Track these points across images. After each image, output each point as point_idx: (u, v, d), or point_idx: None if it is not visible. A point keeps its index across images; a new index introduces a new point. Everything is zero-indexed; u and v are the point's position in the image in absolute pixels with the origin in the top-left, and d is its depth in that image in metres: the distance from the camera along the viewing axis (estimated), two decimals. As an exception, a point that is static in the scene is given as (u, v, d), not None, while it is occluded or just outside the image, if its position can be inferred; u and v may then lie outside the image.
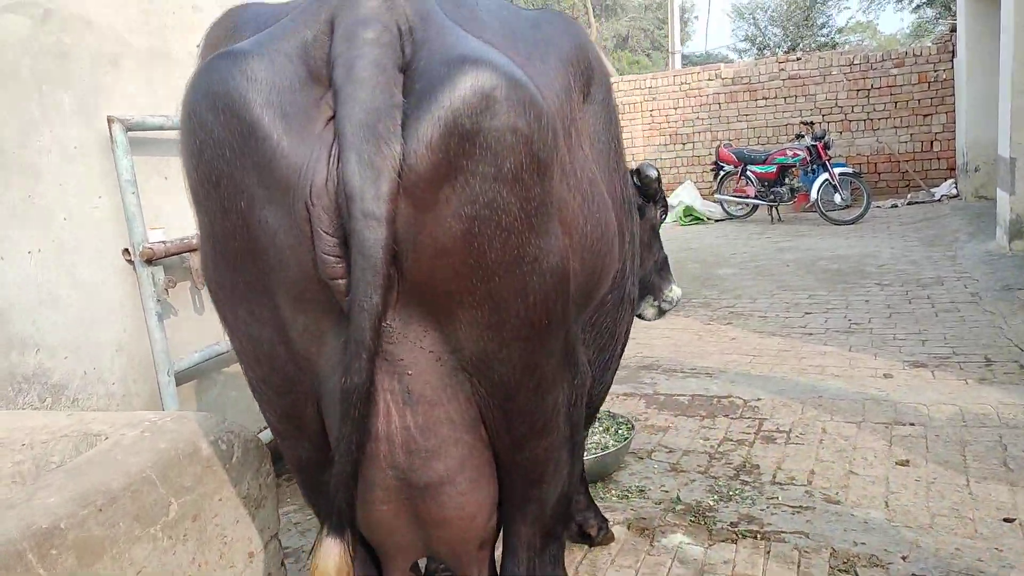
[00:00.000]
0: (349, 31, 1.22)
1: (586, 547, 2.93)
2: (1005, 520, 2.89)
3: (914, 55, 11.37)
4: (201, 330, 3.70)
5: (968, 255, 7.55)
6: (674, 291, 3.14)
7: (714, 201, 12.07)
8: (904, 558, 2.69)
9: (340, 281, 1.24)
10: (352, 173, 1.16)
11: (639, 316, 3.12)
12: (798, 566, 2.70)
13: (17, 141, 2.69)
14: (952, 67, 11.07)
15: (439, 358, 1.37)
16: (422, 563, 1.92)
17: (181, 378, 3.46)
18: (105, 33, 3.02)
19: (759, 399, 4.44)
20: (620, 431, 3.78)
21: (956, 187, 10.93)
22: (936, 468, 3.36)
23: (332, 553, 1.30)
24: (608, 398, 4.61)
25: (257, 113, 1.19)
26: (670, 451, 3.86)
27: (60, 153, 2.85)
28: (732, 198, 11.49)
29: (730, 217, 11.76)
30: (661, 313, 3.15)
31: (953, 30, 10.78)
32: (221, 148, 1.22)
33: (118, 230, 3.20)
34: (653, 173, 2.81)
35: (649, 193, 2.82)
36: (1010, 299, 5.89)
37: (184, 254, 3.53)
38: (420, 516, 1.48)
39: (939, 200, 10.92)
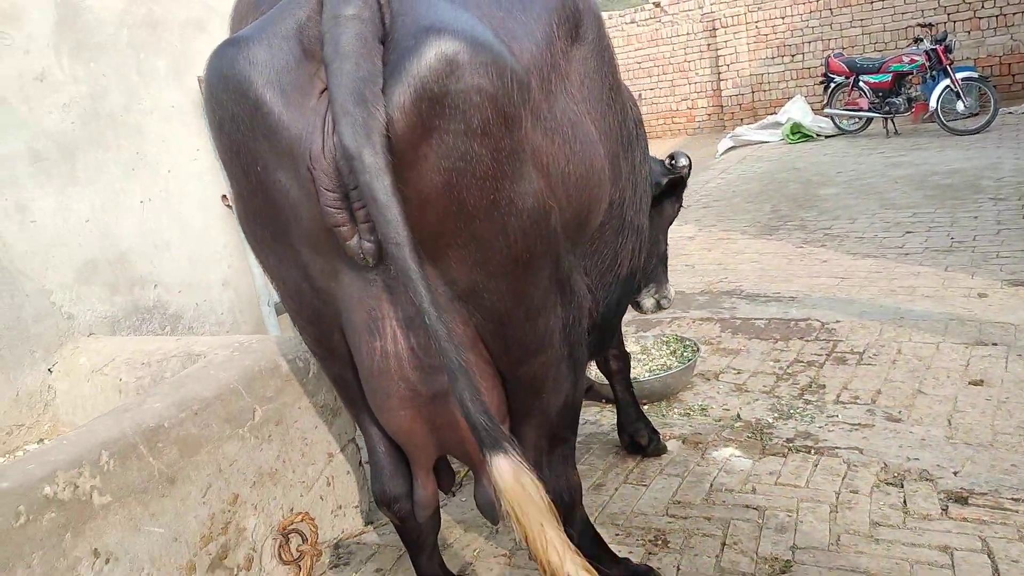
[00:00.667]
0: (334, 9, 1.41)
1: (639, 457, 3.13)
2: (1071, 436, 2.84)
3: (1061, -64, 10.08)
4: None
5: (1104, 163, 6.87)
6: (671, 291, 3.25)
7: (825, 116, 11.41)
8: (956, 473, 2.71)
9: (343, 228, 1.47)
10: (347, 136, 1.36)
11: (636, 307, 3.23)
12: (843, 478, 2.79)
13: (123, 105, 3.09)
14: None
15: (436, 288, 1.59)
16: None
17: (280, 308, 3.90)
18: (191, 1, 3.35)
19: (838, 321, 4.40)
20: (685, 354, 3.90)
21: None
22: (1010, 387, 3.28)
23: (504, 467, 1.40)
24: (684, 322, 4.74)
25: (260, 92, 1.41)
26: (738, 372, 3.94)
27: (160, 114, 3.25)
28: (843, 112, 10.83)
29: (842, 132, 11.11)
30: (659, 308, 3.23)
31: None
32: (236, 123, 1.47)
33: (216, 179, 3.60)
34: (684, 161, 2.85)
35: (675, 180, 2.87)
36: None
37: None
38: (432, 421, 1.74)
39: (1085, 101, 9.83)
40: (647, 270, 3.00)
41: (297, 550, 2.47)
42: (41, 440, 2.92)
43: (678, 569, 2.36)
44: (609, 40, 1.86)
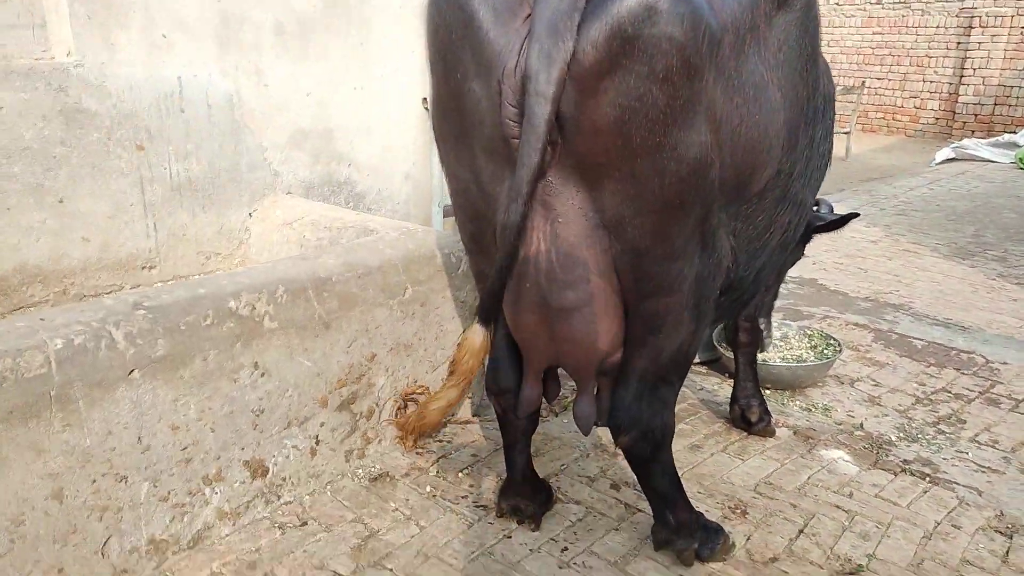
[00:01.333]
0: None
1: (744, 433, 3.17)
2: None
3: None
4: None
5: None
6: (772, 332, 3.25)
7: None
8: (1074, 543, 2.54)
9: (516, 141, 1.66)
10: (533, 59, 1.54)
11: (731, 340, 3.19)
12: (949, 511, 2.69)
13: (359, -2, 3.45)
14: None
15: (585, 214, 1.74)
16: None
17: (448, 211, 4.22)
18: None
19: (1005, 363, 4.07)
20: (826, 351, 3.81)
21: None
22: None
23: (478, 334, 1.81)
24: (837, 323, 4.58)
25: (476, 7, 1.62)
26: (876, 384, 3.80)
27: (388, 12, 3.58)
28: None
29: (1092, 170, 9.76)
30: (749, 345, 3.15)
31: None
32: (449, 31, 1.68)
33: (420, 82, 3.92)
34: (825, 210, 2.83)
35: (818, 228, 2.90)
36: None
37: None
38: (554, 330, 1.92)
39: None
40: (758, 301, 2.99)
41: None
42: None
43: (748, 539, 2.44)
44: (817, 12, 1.89)
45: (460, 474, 2.74)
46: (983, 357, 4.15)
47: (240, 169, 3.40)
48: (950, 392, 3.73)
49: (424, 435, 2.86)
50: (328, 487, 2.62)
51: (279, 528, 2.43)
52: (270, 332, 2.33)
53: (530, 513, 2.38)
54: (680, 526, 2.24)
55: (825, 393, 3.66)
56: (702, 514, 2.38)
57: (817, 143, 2.09)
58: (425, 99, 4.03)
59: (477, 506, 2.55)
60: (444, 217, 4.14)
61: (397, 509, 2.53)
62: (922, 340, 4.41)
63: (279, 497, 2.49)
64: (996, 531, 2.59)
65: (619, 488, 2.70)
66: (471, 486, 2.67)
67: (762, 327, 3.20)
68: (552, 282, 1.84)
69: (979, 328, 4.63)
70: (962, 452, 3.14)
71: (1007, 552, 2.47)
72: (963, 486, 2.87)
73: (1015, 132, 10.96)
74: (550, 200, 1.76)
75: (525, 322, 1.95)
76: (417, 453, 2.83)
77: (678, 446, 3.04)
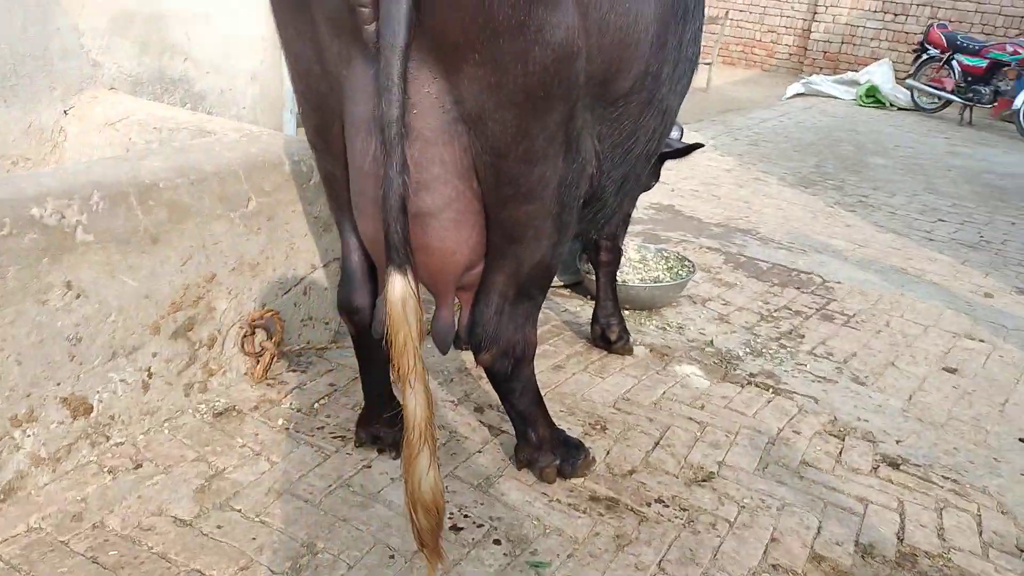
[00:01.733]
0: None
1: (604, 353, 3.21)
2: (1020, 440, 2.89)
3: None
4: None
5: None
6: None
7: (905, 87, 10.88)
8: (898, 441, 2.78)
9: (364, 10, 1.45)
10: None
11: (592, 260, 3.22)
12: (790, 418, 2.86)
13: None
14: None
15: (443, 105, 1.58)
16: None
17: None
18: None
19: (839, 282, 4.39)
20: (680, 272, 3.91)
21: None
22: (981, 382, 3.30)
23: (397, 284, 1.56)
24: (691, 247, 4.73)
25: None
26: (726, 304, 3.96)
27: None
28: (925, 87, 10.32)
29: (916, 108, 10.64)
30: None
31: None
32: None
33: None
34: (676, 134, 2.80)
35: (668, 154, 2.90)
36: None
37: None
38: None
39: None
40: (620, 217, 2.96)
41: (260, 345, 2.58)
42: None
43: (608, 453, 2.47)
44: None
45: (316, 405, 2.57)
46: (820, 277, 4.45)
47: (51, 56, 2.90)
48: (791, 309, 3.96)
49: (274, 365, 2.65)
50: (166, 425, 2.38)
51: (109, 473, 2.17)
52: (84, 246, 2.02)
53: (391, 441, 2.27)
54: (542, 443, 2.21)
55: (679, 313, 3.78)
56: (563, 431, 2.37)
57: (685, 45, 2.02)
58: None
59: (335, 437, 2.40)
60: (299, 127, 3.80)
61: (245, 445, 2.33)
62: (767, 262, 4.66)
63: (108, 438, 2.22)
64: (830, 435, 2.78)
65: (483, 411, 2.64)
66: (328, 416, 2.51)
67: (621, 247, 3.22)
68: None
69: (817, 251, 4.95)
70: (801, 364, 3.35)
71: (840, 453, 2.66)
72: (801, 395, 3.07)
73: (857, 71, 11.70)
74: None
75: (377, 228, 1.76)
76: (268, 384, 2.63)
77: (541, 367, 3.04)
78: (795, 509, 2.29)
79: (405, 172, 1.52)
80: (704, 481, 2.39)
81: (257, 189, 2.44)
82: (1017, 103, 9.16)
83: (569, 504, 2.20)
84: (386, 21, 1.42)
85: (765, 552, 2.08)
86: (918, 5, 12.02)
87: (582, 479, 2.31)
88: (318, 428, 2.44)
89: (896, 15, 12.27)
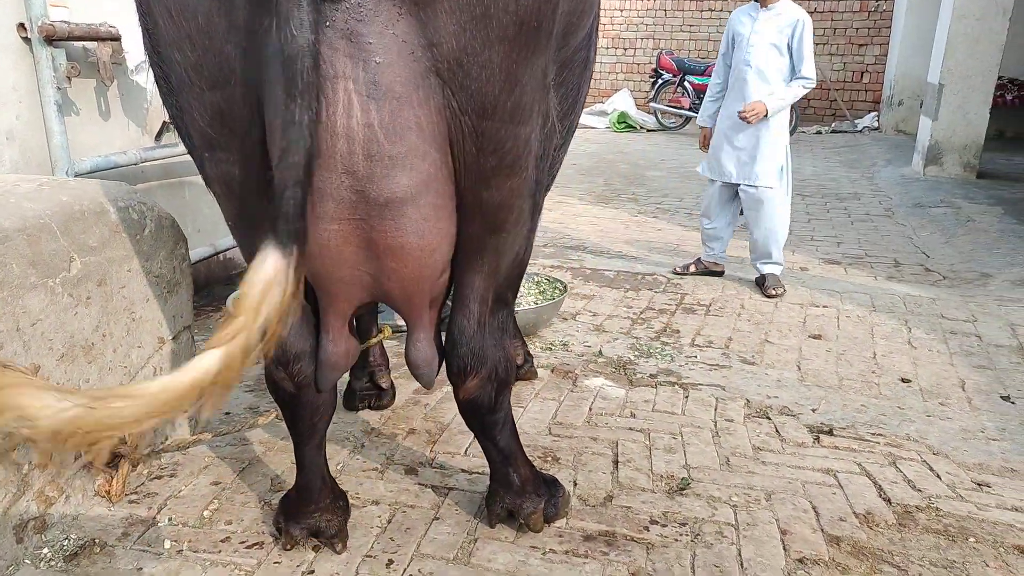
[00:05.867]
0: None
1: (510, 381, 2.90)
2: (902, 380, 3.06)
3: (858, -17, 11.44)
4: (106, 135, 3.35)
5: (885, 177, 7.83)
6: None
7: (649, 112, 11.99)
8: (814, 410, 2.80)
9: None
10: None
11: None
12: (715, 408, 2.77)
13: None
14: (893, -1, 11.24)
15: (412, 51, 1.21)
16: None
17: (82, 180, 3.14)
18: None
19: (682, 278, 4.50)
20: (553, 293, 3.75)
21: (878, 120, 11.26)
22: (846, 342, 3.49)
23: (267, 263, 1.11)
24: (536, 268, 4.60)
25: None
26: (594, 315, 3.86)
27: None
28: (667, 108, 11.44)
29: (663, 128, 11.75)
30: None
31: (900, -40, 10.85)
32: None
33: (13, 2, 2.80)
34: None
35: None
36: (920, 215, 6.16)
37: (90, 44, 3.15)
38: (374, 242, 1.33)
39: (860, 131, 11.24)
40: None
41: (112, 451, 1.91)
42: None
43: (575, 484, 2.16)
44: None
45: (206, 513, 1.94)
46: (664, 276, 4.54)
47: None
48: (654, 309, 3.97)
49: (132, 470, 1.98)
50: (-13, 590, 1.63)
51: None
52: None
53: (334, 530, 1.75)
54: (525, 485, 1.84)
55: (556, 331, 3.61)
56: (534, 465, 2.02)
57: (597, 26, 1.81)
58: (22, 25, 2.89)
59: (249, 547, 1.81)
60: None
61: (123, 589, 1.67)
62: (610, 270, 4.67)
63: None
64: (757, 416, 2.73)
65: (416, 471, 2.20)
66: (229, 524, 1.90)
67: None
68: (374, 160, 1.26)
69: (645, 254, 5.09)
70: (691, 357, 3.31)
71: (777, 431, 2.60)
72: (707, 385, 3.00)
73: (604, 102, 12.68)
74: (359, 28, 1.18)
75: (327, 236, 1.33)
76: (132, 502, 1.94)
77: (455, 411, 2.65)
78: (782, 496, 2.15)
79: (311, 110, 1.12)
80: (684, 490, 2.17)
81: (79, 246, 1.82)
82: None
83: (566, 552, 1.84)
84: None
85: (785, 549, 1.90)
86: (642, 39, 13.41)
87: (564, 519, 1.97)
88: (222, 541, 1.83)
89: (626, 49, 13.57)
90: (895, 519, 2.05)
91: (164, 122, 3.67)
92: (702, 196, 4.84)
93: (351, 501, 1.94)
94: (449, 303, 1.63)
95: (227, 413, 2.56)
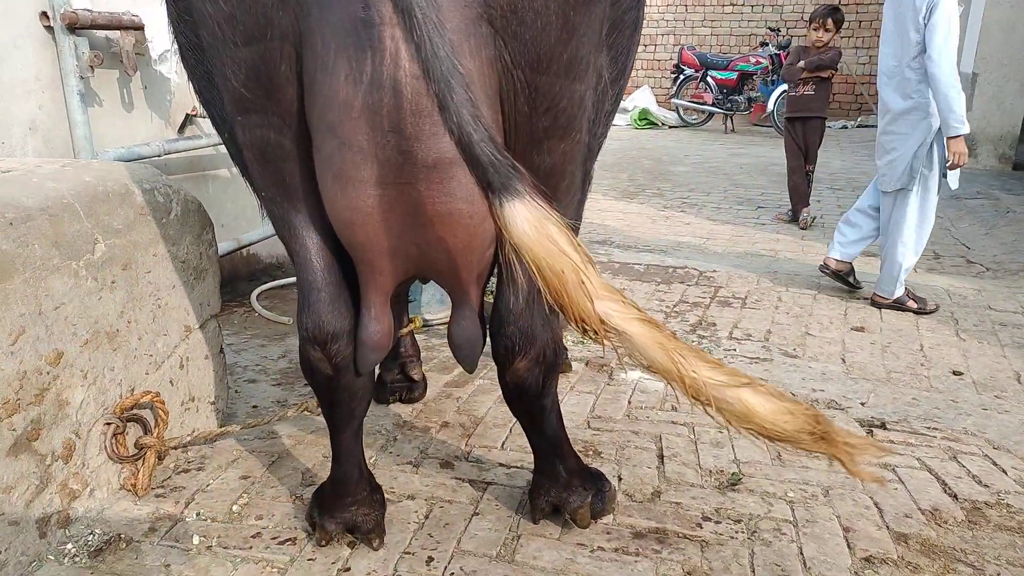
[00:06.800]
0: None
1: (544, 374, 2.80)
2: (954, 373, 2.92)
3: (885, -25, 11.22)
4: (129, 127, 3.29)
5: (916, 171, 7.66)
6: None
7: (670, 108, 11.85)
8: (863, 404, 2.67)
9: None
10: None
11: None
12: (759, 402, 2.64)
13: None
14: (920, -9, 11.00)
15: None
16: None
17: (105, 171, 3.08)
18: None
19: (715, 270, 4.38)
20: (579, 281, 3.65)
21: (906, 114, 11.04)
22: (890, 335, 3.36)
23: (520, 212, 1.01)
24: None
25: None
26: (626, 307, 3.75)
27: None
28: (689, 103, 11.29)
29: (685, 124, 11.60)
30: None
31: (928, -49, 10.63)
32: None
33: (36, -11, 2.75)
34: None
35: None
36: (957, 206, 5.99)
37: (113, 33, 3.09)
38: (422, 208, 1.23)
39: (888, 126, 11.03)
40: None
41: (138, 443, 1.84)
42: None
43: (620, 479, 2.05)
44: None
45: (236, 507, 1.85)
46: (696, 269, 4.41)
47: None
48: (687, 302, 3.84)
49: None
50: (11, 587, 1.55)
51: None
52: None
53: (371, 525, 1.65)
54: (572, 477, 1.73)
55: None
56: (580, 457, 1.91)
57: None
58: (45, 13, 2.83)
59: (281, 543, 1.72)
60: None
61: (152, 588, 1.59)
62: (640, 264, 4.56)
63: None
64: (803, 410, 2.60)
65: (452, 465, 2.10)
66: (259, 519, 1.81)
67: None
68: (421, 115, 1.15)
69: (674, 248, 4.97)
70: (730, 350, 3.19)
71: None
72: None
73: (624, 99, 12.57)
74: None
75: (370, 202, 1.22)
76: (158, 496, 1.86)
77: (487, 402, 2.56)
78: (841, 492, 2.02)
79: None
80: (735, 485, 2.05)
81: (104, 228, 1.74)
82: (770, 106, 10.27)
83: (616, 549, 1.73)
84: None
85: (850, 547, 1.78)
86: (663, 35, 13.26)
87: (611, 515, 1.86)
88: (253, 537, 1.74)
89: (646, 46, 13.41)
90: (964, 516, 1.92)
91: (187, 114, 3.61)
92: (728, 188, 4.69)
93: (386, 495, 1.85)
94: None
95: (254, 406, 2.47)
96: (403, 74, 1.11)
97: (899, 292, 3.64)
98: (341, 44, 1.09)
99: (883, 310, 3.65)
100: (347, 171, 1.19)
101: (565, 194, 1.40)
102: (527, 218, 1.00)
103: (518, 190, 1.01)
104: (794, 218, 5.63)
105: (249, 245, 3.89)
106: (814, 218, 5.63)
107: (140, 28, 3.14)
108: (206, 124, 3.61)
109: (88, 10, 2.91)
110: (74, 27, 2.85)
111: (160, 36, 3.19)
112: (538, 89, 1.21)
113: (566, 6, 1.16)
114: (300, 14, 1.12)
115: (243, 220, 3.91)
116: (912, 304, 3.62)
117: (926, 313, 3.58)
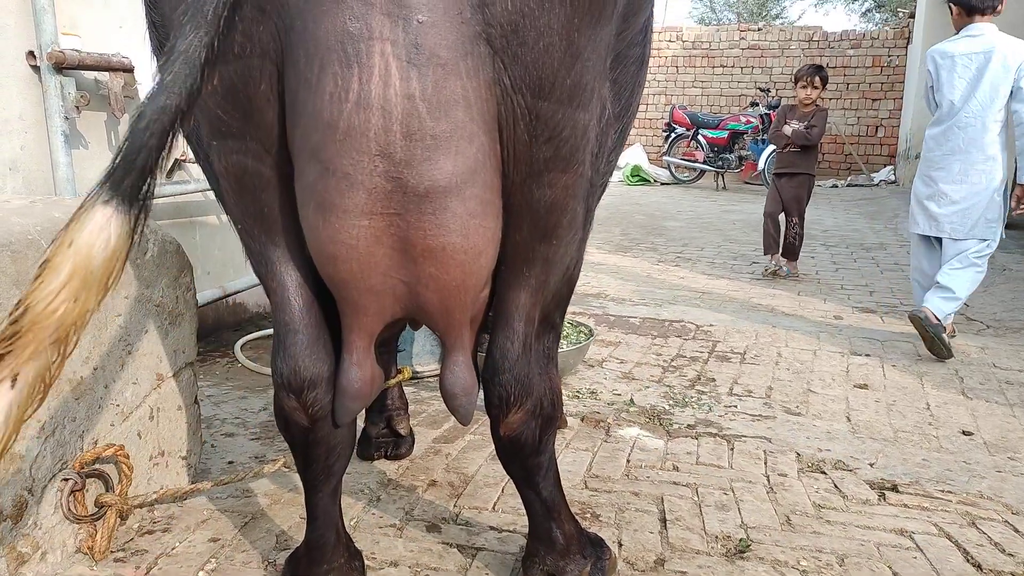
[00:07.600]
0: None
1: (538, 430, 2.66)
2: (964, 433, 2.80)
3: (871, 37, 11.51)
4: (115, 170, 3.22)
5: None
6: None
7: (662, 166, 11.98)
8: (872, 464, 2.54)
9: None
10: None
11: None
12: (764, 462, 2.52)
13: None
14: (907, 53, 11.26)
15: (461, 10, 1.03)
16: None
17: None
18: None
19: (712, 325, 4.29)
20: (577, 337, 3.54)
21: (895, 174, 11.18)
22: (895, 392, 3.25)
23: (94, 221, 0.90)
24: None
25: None
26: (622, 362, 3.64)
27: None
28: (681, 161, 11.42)
29: (676, 182, 11.72)
30: None
31: (912, 16, 10.93)
32: None
33: (23, 29, 2.70)
34: None
35: None
36: (953, 264, 5.95)
37: (103, 74, 3.04)
38: (412, 241, 1.13)
39: (877, 184, 11.15)
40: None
41: (98, 501, 1.69)
42: None
43: (620, 545, 1.91)
44: None
45: (202, 573, 1.69)
46: (693, 324, 4.32)
47: None
48: (685, 356, 3.74)
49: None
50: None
51: None
52: None
53: (351, 593, 1.50)
54: (569, 543, 1.59)
55: (583, 378, 3.39)
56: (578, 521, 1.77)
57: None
58: (31, 53, 2.78)
59: (249, 612, 1.57)
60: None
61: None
62: (635, 317, 4.47)
63: None
64: (811, 471, 2.47)
65: (439, 528, 1.95)
66: (226, 584, 1.66)
67: None
68: (413, 139, 1.06)
69: (670, 302, 4.88)
70: (730, 407, 3.07)
71: (836, 487, 2.34)
72: (752, 437, 2.76)
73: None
74: None
75: (355, 235, 1.12)
76: (118, 560, 1.70)
77: (477, 459, 2.42)
78: (857, 561, 1.88)
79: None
80: (743, 552, 1.91)
81: (73, 268, 1.63)
82: (760, 164, 10.39)
83: (617, 625, 1.59)
84: None
85: (871, 620, 1.63)
86: (654, 95, 13.51)
87: (611, 586, 1.72)
88: (219, 609, 1.58)
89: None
90: (991, 589, 1.78)
91: (176, 159, 3.54)
92: (722, 244, 4.64)
93: (366, 562, 1.70)
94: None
95: (230, 462, 2.32)
96: (393, 93, 1.03)
97: (947, 321, 3.79)
98: (326, 60, 1.01)
99: (885, 368, 3.56)
100: (330, 199, 1.09)
101: (565, 231, 1.31)
102: (101, 221, 0.92)
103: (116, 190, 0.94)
104: (778, 270, 5.67)
105: (235, 293, 3.78)
106: (781, 268, 5.66)
107: (130, 70, 3.10)
108: (195, 169, 3.55)
109: (77, 50, 2.86)
110: (61, 67, 2.79)
111: (149, 79, 3.15)
112: (539, 116, 1.14)
113: (570, 27, 1.09)
114: (282, 27, 1.05)
115: (230, 267, 3.81)
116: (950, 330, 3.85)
117: (945, 352, 3.64)
